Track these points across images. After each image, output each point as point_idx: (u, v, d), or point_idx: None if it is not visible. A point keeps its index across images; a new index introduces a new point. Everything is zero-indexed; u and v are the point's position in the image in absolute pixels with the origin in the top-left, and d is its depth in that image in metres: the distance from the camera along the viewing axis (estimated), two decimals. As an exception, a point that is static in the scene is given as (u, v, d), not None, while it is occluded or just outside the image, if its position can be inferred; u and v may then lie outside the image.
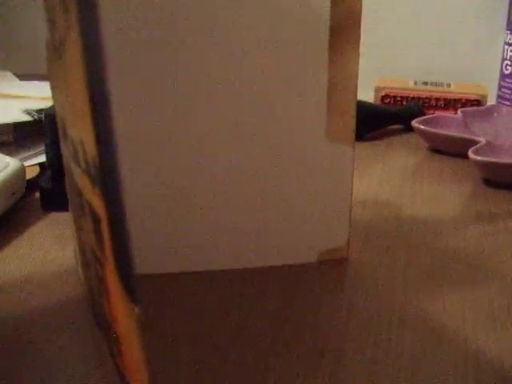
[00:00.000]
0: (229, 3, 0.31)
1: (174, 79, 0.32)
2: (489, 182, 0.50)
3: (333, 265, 0.37)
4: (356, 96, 0.34)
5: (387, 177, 0.51)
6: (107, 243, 0.20)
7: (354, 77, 0.33)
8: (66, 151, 0.28)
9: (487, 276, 0.36)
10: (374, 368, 0.28)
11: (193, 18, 0.31)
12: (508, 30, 0.65)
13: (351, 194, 0.36)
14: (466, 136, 0.54)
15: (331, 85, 0.33)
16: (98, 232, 0.22)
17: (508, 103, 0.65)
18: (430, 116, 0.58)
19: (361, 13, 0.33)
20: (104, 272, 0.22)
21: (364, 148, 0.58)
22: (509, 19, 0.64)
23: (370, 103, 0.61)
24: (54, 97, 0.30)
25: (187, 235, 0.35)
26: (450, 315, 0.32)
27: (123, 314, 0.20)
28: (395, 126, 0.64)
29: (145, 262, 0.35)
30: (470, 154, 0.49)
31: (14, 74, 0.77)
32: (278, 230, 0.36)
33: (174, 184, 0.34)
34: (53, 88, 0.29)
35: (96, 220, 0.21)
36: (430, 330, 0.31)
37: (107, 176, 0.18)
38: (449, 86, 0.68)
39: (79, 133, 0.21)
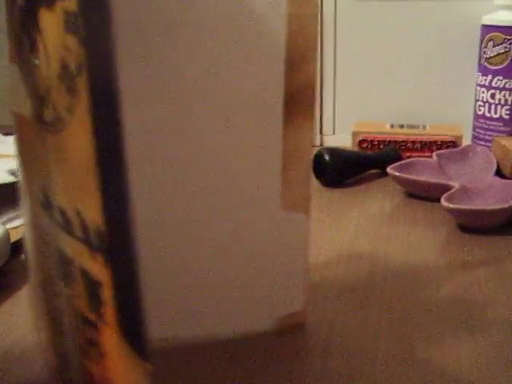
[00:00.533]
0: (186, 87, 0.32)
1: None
2: (463, 228, 0.51)
3: (292, 331, 0.37)
4: (310, 165, 0.34)
5: (363, 226, 0.52)
6: (109, 308, 0.21)
7: (309, 146, 0.34)
8: (37, 219, 0.29)
9: (457, 328, 0.37)
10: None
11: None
12: (479, 71, 0.67)
13: (307, 260, 0.36)
14: (440, 181, 0.56)
15: (286, 155, 0.34)
16: (95, 297, 0.22)
17: (482, 143, 0.67)
18: (405, 161, 0.60)
19: (315, 83, 0.33)
20: (99, 336, 0.23)
21: (342, 195, 0.59)
22: (480, 61, 0.66)
23: (348, 150, 0.62)
24: (23, 163, 0.30)
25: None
26: (422, 376, 0.33)
27: (124, 374, 0.21)
28: (373, 171, 0.65)
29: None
30: (443, 201, 0.50)
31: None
32: (234, 298, 0.36)
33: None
34: (23, 154, 0.30)
35: (93, 285, 0.22)
36: (400, 389, 0.32)
37: (117, 245, 0.19)
38: (424, 127, 0.69)
39: (74, 202, 0.22)
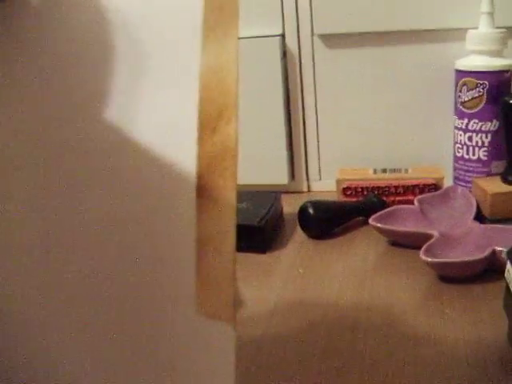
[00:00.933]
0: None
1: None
2: (443, 277, 0.53)
3: None
4: (234, 256, 0.26)
5: (347, 279, 0.54)
6: None
7: (230, 231, 0.26)
8: None
9: (433, 392, 0.39)
10: None
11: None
12: (456, 115, 0.69)
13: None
14: (420, 231, 0.58)
15: (199, 244, 0.26)
16: None
17: (463, 183, 0.69)
18: (386, 210, 0.62)
19: (236, 146, 0.26)
20: None
21: (327, 246, 0.61)
22: (456, 105, 0.68)
23: (331, 201, 0.64)
24: None
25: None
26: None
27: None
28: (358, 219, 0.67)
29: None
30: (422, 255, 0.52)
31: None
32: None
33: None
34: None
35: None
36: None
37: None
38: (406, 171, 0.71)
39: None
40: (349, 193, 0.70)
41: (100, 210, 0.27)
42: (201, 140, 0.26)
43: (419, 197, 0.64)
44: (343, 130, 0.76)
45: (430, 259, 0.51)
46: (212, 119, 0.26)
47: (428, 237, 0.57)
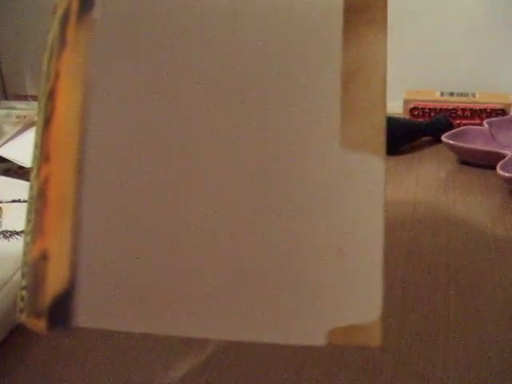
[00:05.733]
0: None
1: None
2: (517, 194, 0.54)
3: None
4: (385, 87, 0.24)
5: (421, 192, 0.55)
6: None
7: (381, 62, 0.24)
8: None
9: (520, 291, 0.40)
10: None
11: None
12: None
13: (382, 229, 0.23)
14: (493, 149, 0.58)
15: (346, 74, 0.24)
16: None
17: (531, 110, 0.69)
18: (458, 129, 0.62)
19: None
20: None
21: (397, 162, 0.62)
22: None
23: (401, 118, 0.65)
24: None
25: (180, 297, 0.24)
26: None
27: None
28: (425, 139, 0.68)
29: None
30: (499, 170, 0.53)
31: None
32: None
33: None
34: None
35: None
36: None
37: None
38: (474, 95, 0.71)
39: None
40: (416, 113, 0.70)
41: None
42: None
43: (488, 119, 0.64)
44: (409, 53, 0.76)
45: (507, 174, 0.52)
46: None
47: (501, 156, 0.57)
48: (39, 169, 0.26)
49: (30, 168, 0.28)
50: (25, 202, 0.46)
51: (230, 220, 0.24)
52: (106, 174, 0.25)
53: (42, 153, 0.26)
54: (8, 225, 0.43)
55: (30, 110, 0.67)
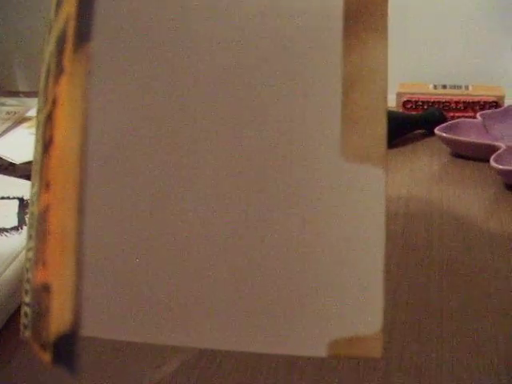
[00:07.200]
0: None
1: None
2: (510, 187, 0.54)
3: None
4: (386, 95, 0.24)
5: (414, 186, 0.55)
6: None
7: (382, 68, 0.24)
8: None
9: (514, 284, 0.40)
10: None
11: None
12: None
13: (384, 240, 0.24)
14: (487, 142, 0.58)
15: (347, 81, 0.24)
16: None
17: (524, 102, 0.69)
18: (450, 122, 0.62)
19: None
20: None
21: (390, 155, 0.62)
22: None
23: (394, 111, 0.64)
24: None
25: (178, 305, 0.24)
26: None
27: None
28: (418, 132, 0.67)
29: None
30: (492, 162, 0.52)
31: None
32: (271, 301, 0.24)
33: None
34: None
35: None
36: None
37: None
38: (467, 88, 0.71)
39: None
40: (409, 106, 0.70)
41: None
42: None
43: (482, 112, 0.64)
44: (401, 46, 0.76)
45: (501, 166, 0.52)
46: None
47: (495, 148, 0.57)
48: (39, 195, 0.26)
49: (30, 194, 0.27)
50: (14, 199, 0.45)
51: (228, 230, 0.24)
52: (107, 205, 0.25)
53: (42, 179, 0.26)
54: (-3, 222, 0.42)
55: (20, 106, 0.67)
